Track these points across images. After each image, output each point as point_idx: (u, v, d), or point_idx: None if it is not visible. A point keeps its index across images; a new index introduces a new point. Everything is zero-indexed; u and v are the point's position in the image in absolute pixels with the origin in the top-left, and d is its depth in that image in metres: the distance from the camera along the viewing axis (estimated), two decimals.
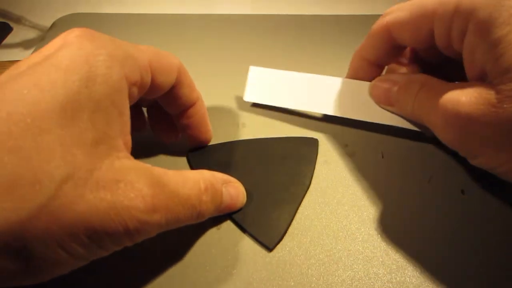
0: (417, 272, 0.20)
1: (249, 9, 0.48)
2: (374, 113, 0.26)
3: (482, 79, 0.19)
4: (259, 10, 0.47)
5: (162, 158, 0.26)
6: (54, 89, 0.14)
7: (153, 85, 0.20)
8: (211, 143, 0.26)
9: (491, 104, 0.18)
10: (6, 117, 0.13)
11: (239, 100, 0.31)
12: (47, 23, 0.44)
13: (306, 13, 0.44)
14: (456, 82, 0.21)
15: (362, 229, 0.22)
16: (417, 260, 0.20)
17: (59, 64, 0.15)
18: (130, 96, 0.18)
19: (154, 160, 0.26)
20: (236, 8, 0.47)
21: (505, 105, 0.17)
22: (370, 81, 0.26)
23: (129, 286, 0.20)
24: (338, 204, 0.23)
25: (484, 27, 0.18)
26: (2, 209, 0.12)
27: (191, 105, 0.24)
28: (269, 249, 0.21)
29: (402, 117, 0.25)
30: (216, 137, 0.27)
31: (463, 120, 0.19)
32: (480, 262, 0.20)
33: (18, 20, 0.46)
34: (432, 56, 0.25)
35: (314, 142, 0.27)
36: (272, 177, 0.24)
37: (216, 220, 0.22)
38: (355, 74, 0.26)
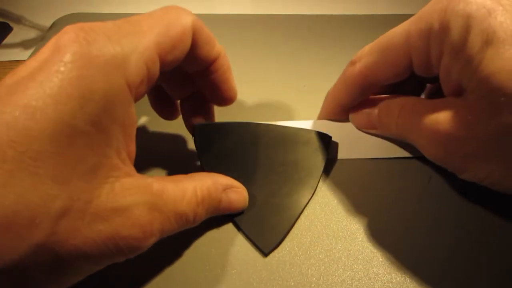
0: (417, 272, 0.20)
1: (249, 9, 0.48)
2: (359, 150, 0.26)
3: (458, 94, 0.19)
4: (259, 10, 0.47)
5: (168, 137, 0.26)
6: (45, 114, 0.13)
7: (165, 65, 0.18)
8: (220, 121, 0.25)
9: (469, 121, 0.18)
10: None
11: (239, 100, 0.31)
12: (47, 23, 0.44)
13: (306, 13, 0.44)
14: (434, 99, 0.21)
15: (362, 229, 0.22)
16: (417, 260, 0.20)
17: (50, 81, 0.13)
18: (138, 95, 0.17)
19: (161, 139, 0.26)
20: (236, 8, 0.47)
21: (482, 120, 0.17)
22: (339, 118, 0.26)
23: (129, 286, 0.20)
24: (338, 204, 0.23)
25: (457, 48, 0.18)
26: (4, 247, 0.12)
27: (211, 62, 0.21)
28: (265, 254, 0.21)
29: (386, 139, 0.25)
30: None
31: (444, 139, 0.19)
32: (482, 262, 0.20)
33: (18, 20, 0.46)
34: (410, 83, 0.25)
35: (328, 140, 0.25)
36: (279, 178, 0.24)
37: (216, 221, 0.22)
38: (327, 115, 0.26)
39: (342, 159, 0.26)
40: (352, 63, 0.23)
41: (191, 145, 0.27)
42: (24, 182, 0.13)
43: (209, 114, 0.25)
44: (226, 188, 0.21)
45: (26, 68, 0.14)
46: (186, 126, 0.25)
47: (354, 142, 0.26)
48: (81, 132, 0.14)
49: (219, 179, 0.21)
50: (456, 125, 0.18)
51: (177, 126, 0.27)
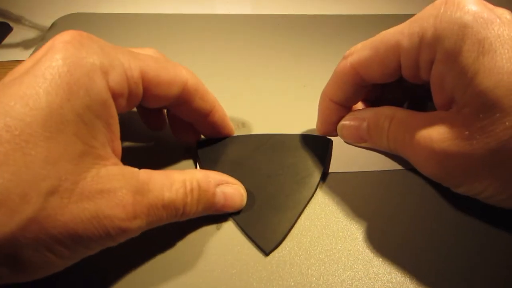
0: (417, 272, 0.20)
1: (249, 9, 0.48)
2: (350, 163, 0.25)
3: (449, 106, 0.19)
4: (259, 10, 0.47)
5: (171, 149, 0.26)
6: (38, 103, 0.15)
7: (148, 97, 0.20)
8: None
9: (464, 137, 0.18)
10: None
11: (239, 100, 0.31)
12: (47, 23, 0.44)
13: (306, 13, 0.44)
14: (425, 113, 0.20)
15: (362, 229, 0.22)
16: (417, 260, 0.20)
17: (43, 75, 0.15)
18: (117, 106, 0.18)
19: (162, 152, 0.26)
20: (236, 8, 0.47)
21: (477, 136, 0.17)
22: (337, 121, 0.25)
23: (128, 285, 0.20)
24: (338, 204, 0.23)
25: (451, 56, 0.18)
26: None
27: (205, 115, 0.23)
28: (266, 253, 0.21)
29: (378, 151, 0.25)
30: None
31: (439, 157, 0.19)
32: (481, 262, 0.20)
33: (18, 20, 0.46)
34: (398, 89, 0.25)
35: (327, 142, 0.25)
36: (278, 179, 0.24)
37: (216, 220, 0.22)
38: (324, 116, 0.25)
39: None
40: (344, 57, 0.23)
41: (183, 153, 0.27)
42: (17, 162, 0.14)
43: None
44: (220, 183, 0.21)
45: (23, 65, 0.16)
46: (175, 136, 0.26)
47: (345, 156, 0.25)
48: (69, 121, 0.15)
49: (212, 174, 0.21)
50: (452, 142, 0.18)
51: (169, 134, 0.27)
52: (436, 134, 0.19)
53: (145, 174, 0.18)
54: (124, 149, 0.20)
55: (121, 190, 0.17)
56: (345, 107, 0.24)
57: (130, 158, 0.19)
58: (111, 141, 0.18)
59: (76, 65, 0.16)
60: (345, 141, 0.25)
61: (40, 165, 0.14)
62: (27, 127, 0.14)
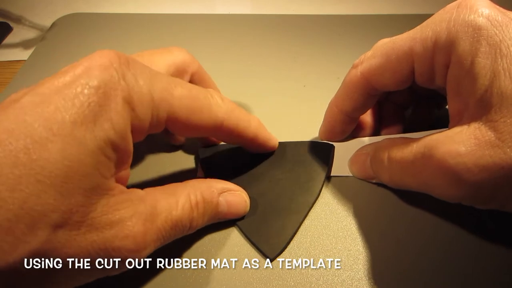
0: (418, 272, 0.20)
1: (249, 9, 0.48)
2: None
3: (465, 109, 0.18)
4: (259, 10, 0.47)
5: (173, 157, 0.26)
6: (61, 130, 0.14)
7: (175, 131, 0.20)
8: (222, 143, 0.26)
9: (495, 145, 0.16)
10: (14, 151, 0.13)
11: (239, 100, 0.31)
12: (47, 23, 0.44)
13: (306, 13, 0.44)
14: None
15: (362, 229, 0.22)
16: (417, 261, 0.20)
17: (72, 100, 0.15)
18: (134, 138, 0.17)
19: (165, 159, 0.26)
20: (236, 8, 0.47)
21: (510, 143, 0.16)
22: (342, 130, 0.25)
23: (128, 285, 0.20)
24: (338, 204, 0.23)
25: (467, 58, 0.17)
26: (1, 250, 0.13)
27: (245, 142, 0.23)
28: (270, 259, 0.21)
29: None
30: None
31: (473, 173, 0.17)
32: (482, 262, 0.20)
33: (18, 20, 0.46)
34: (404, 91, 0.25)
35: (329, 148, 0.25)
36: (281, 184, 0.24)
37: (218, 226, 0.22)
38: (329, 126, 0.25)
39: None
40: (354, 66, 0.22)
41: (187, 158, 0.27)
42: (29, 189, 0.13)
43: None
44: (222, 192, 0.21)
45: (56, 79, 0.15)
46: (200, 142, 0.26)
47: (346, 160, 0.25)
48: (90, 152, 0.15)
49: (214, 183, 0.21)
50: (485, 155, 0.16)
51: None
52: (463, 148, 0.17)
53: (151, 197, 0.18)
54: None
55: (131, 219, 0.16)
56: (352, 118, 0.24)
57: (133, 163, 0.19)
58: (123, 170, 0.17)
59: (106, 96, 0.15)
60: (358, 178, 0.24)
61: (53, 196, 0.14)
62: (46, 153, 0.14)
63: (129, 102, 0.16)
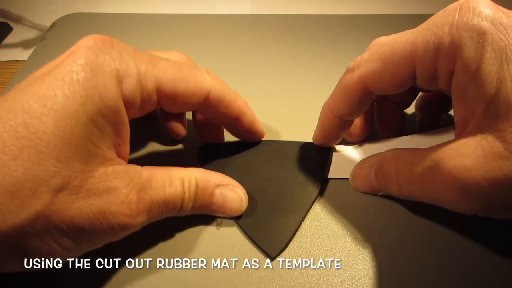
0: (418, 272, 0.20)
1: (249, 9, 0.48)
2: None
3: (471, 115, 0.18)
4: (259, 10, 0.47)
5: (173, 155, 0.27)
6: (55, 105, 0.16)
7: (165, 105, 0.21)
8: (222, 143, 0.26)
9: (503, 157, 0.16)
10: (14, 126, 0.15)
11: None
12: (47, 23, 0.44)
13: (306, 13, 0.44)
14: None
15: (362, 229, 0.22)
16: (417, 260, 0.20)
17: (62, 78, 0.16)
18: (129, 113, 0.19)
19: (166, 157, 0.26)
20: (236, 8, 0.47)
21: None
22: (337, 134, 0.24)
23: (128, 286, 0.20)
24: (339, 204, 0.23)
25: (472, 65, 0.17)
26: (9, 212, 0.14)
27: (232, 121, 0.24)
28: (272, 258, 0.21)
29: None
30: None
31: (482, 187, 0.16)
32: (482, 262, 0.20)
33: (18, 20, 0.46)
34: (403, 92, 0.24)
35: (329, 148, 0.25)
36: (281, 183, 0.24)
37: (219, 222, 0.22)
38: (323, 130, 0.24)
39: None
40: (350, 70, 0.21)
41: (188, 156, 0.27)
42: (31, 157, 0.15)
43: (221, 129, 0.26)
44: (220, 184, 0.21)
45: (49, 65, 0.18)
46: (200, 138, 0.26)
47: (345, 162, 0.25)
48: (82, 124, 0.16)
49: (214, 174, 0.21)
50: (494, 168, 0.16)
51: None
52: (470, 161, 0.16)
53: (148, 171, 0.19)
54: (131, 153, 0.20)
55: (126, 187, 0.17)
56: (346, 121, 0.23)
57: (133, 162, 0.20)
58: (118, 145, 0.18)
59: (94, 72, 0.17)
60: (361, 192, 0.24)
61: (52, 163, 0.15)
62: (43, 126, 0.15)
63: (116, 76, 0.17)
